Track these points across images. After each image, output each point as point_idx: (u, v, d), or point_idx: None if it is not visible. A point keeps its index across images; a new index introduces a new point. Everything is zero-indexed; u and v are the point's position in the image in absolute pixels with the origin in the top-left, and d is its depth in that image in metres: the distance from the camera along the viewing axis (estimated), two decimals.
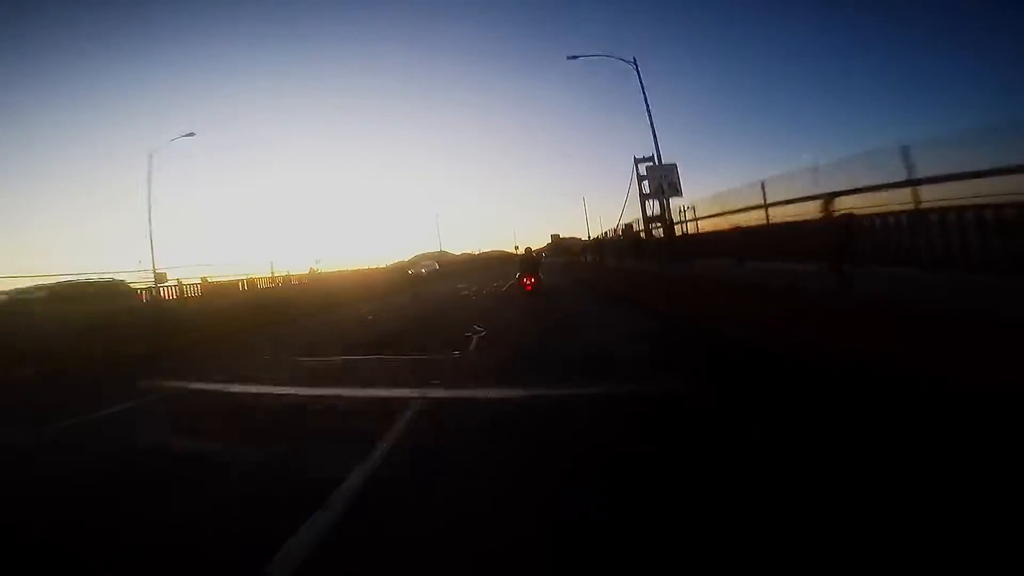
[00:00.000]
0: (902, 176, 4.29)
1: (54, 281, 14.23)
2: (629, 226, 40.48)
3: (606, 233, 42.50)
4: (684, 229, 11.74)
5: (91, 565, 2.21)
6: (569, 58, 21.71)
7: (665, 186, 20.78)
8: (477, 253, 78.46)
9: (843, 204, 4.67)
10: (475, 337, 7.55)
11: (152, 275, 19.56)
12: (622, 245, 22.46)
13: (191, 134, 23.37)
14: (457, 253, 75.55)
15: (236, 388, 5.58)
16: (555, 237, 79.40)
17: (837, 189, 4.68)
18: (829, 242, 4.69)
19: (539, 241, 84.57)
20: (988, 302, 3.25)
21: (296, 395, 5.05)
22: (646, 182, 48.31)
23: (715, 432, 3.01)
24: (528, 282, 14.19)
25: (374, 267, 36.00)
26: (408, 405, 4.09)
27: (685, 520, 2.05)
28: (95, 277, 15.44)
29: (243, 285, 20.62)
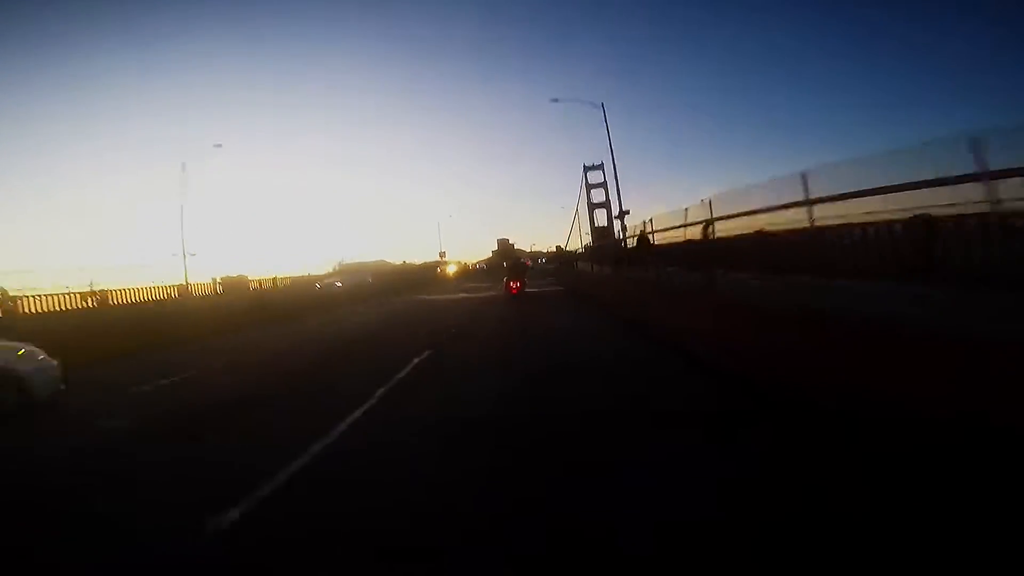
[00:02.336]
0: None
1: None
2: (602, 233, 42.61)
3: (581, 245, 44.11)
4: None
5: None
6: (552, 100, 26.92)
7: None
8: (419, 264, 70.26)
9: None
10: None
11: None
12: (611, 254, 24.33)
13: None
14: (397, 263, 67.29)
15: None
16: (503, 242, 67.56)
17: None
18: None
19: (483, 251, 78.09)
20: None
21: None
22: (595, 191, 49.94)
23: None
24: (514, 286, 15.77)
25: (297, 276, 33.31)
26: None
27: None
28: None
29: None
